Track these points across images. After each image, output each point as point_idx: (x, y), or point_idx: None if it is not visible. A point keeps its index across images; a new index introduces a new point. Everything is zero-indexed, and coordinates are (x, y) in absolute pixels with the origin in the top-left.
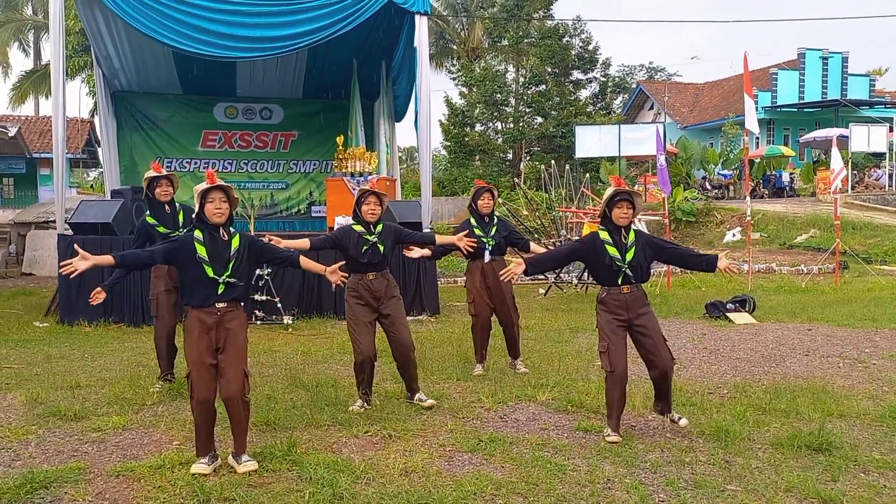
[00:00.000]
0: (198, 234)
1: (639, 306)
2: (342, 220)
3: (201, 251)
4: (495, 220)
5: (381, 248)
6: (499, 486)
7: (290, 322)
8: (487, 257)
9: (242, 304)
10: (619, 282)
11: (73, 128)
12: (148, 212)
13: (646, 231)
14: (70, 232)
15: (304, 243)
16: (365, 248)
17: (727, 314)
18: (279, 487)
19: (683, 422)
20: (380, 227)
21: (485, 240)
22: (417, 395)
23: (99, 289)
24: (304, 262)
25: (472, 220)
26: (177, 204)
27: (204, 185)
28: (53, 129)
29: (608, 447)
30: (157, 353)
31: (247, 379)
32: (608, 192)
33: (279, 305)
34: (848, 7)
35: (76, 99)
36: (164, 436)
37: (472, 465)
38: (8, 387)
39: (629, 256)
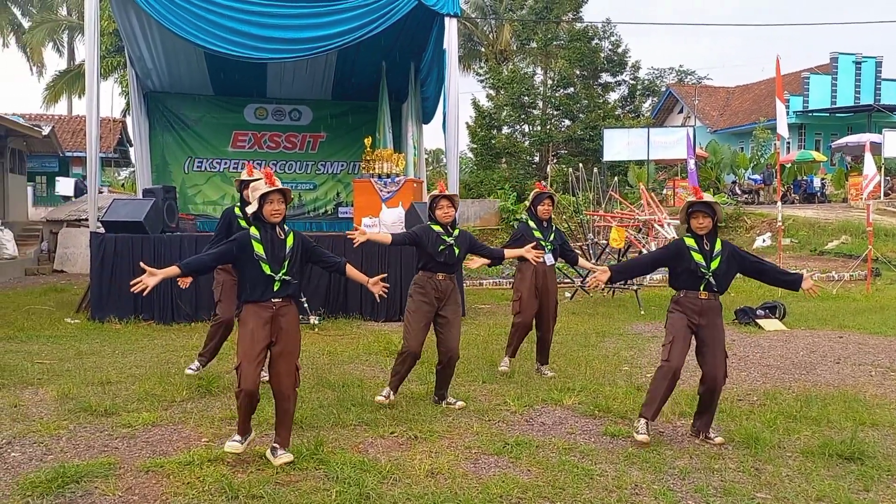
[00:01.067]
0: (254, 232)
1: (713, 315)
2: (369, 221)
3: (259, 249)
4: (553, 226)
5: (457, 250)
6: (525, 489)
7: (316, 322)
8: (550, 260)
9: (296, 300)
10: (701, 288)
11: (105, 127)
12: (238, 205)
13: (674, 234)
14: (102, 230)
15: (386, 237)
16: (442, 248)
17: (757, 320)
18: (306, 486)
19: (719, 439)
20: (457, 231)
21: (543, 243)
22: (446, 400)
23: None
24: (350, 271)
25: (532, 223)
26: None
27: (264, 187)
28: (87, 130)
29: (636, 452)
30: (210, 334)
31: (298, 373)
32: (684, 204)
33: (306, 305)
34: (882, 10)
35: (108, 99)
36: (192, 432)
37: (497, 468)
38: (40, 382)
39: (714, 265)
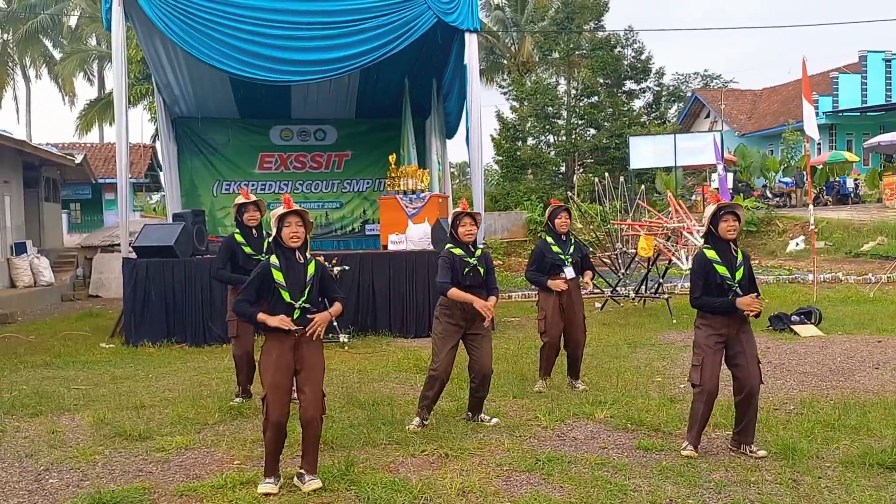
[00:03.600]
0: (274, 259)
1: (740, 323)
2: (396, 238)
3: (278, 277)
4: (572, 239)
5: (482, 270)
6: None
7: (346, 340)
8: (571, 273)
9: None
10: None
11: (136, 153)
12: (237, 231)
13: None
14: (134, 255)
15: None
16: (466, 269)
17: (792, 326)
18: None
19: (761, 452)
20: (479, 251)
21: (563, 257)
22: (481, 416)
23: None
24: (335, 308)
25: (550, 238)
26: (264, 231)
27: (281, 210)
28: (117, 157)
29: (670, 466)
30: (237, 369)
31: (324, 399)
32: (709, 209)
33: (335, 324)
34: None
35: (139, 125)
36: (225, 455)
37: (530, 486)
38: (76, 407)
39: (739, 275)
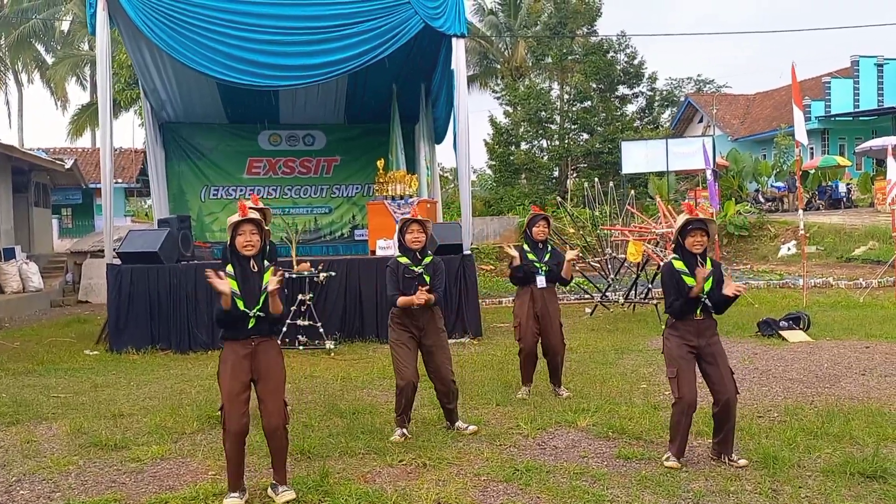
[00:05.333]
0: (229, 269)
1: (710, 334)
2: (384, 244)
3: (233, 285)
4: (549, 247)
5: (427, 278)
6: None
7: (332, 347)
8: (542, 283)
9: (277, 334)
10: (697, 310)
11: (128, 158)
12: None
13: None
14: (118, 261)
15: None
16: (409, 277)
17: (780, 332)
18: None
19: (742, 461)
20: (428, 259)
21: (538, 265)
22: (458, 423)
23: None
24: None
25: (526, 246)
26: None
27: (235, 217)
28: (101, 162)
29: (650, 475)
30: None
31: (286, 409)
32: (680, 220)
33: (321, 330)
34: None
35: (130, 129)
36: (200, 465)
37: (506, 496)
38: (54, 416)
39: (708, 286)
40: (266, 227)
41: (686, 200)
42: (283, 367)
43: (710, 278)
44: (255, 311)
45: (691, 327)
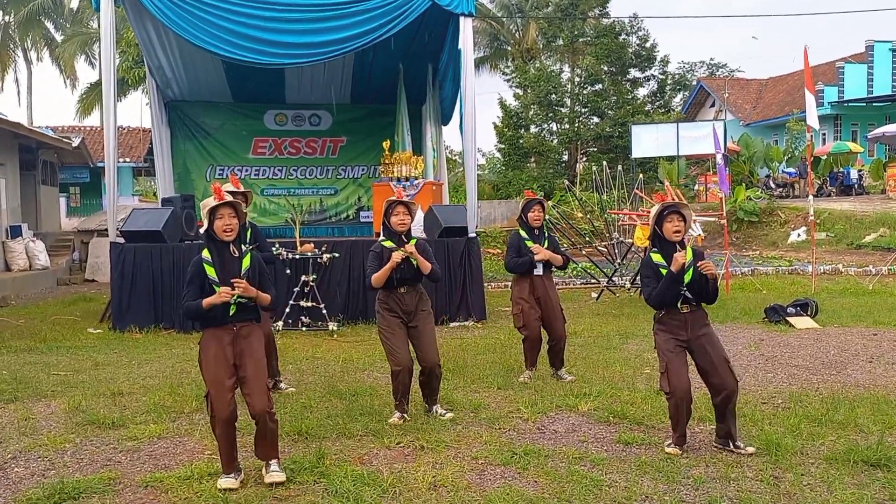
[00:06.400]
0: (206, 254)
1: (699, 326)
2: None
3: (210, 273)
4: (546, 233)
5: (414, 262)
6: (529, 502)
7: (334, 329)
8: (540, 269)
9: (259, 320)
10: (679, 303)
11: (136, 136)
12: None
13: (700, 232)
14: (122, 240)
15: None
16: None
17: (787, 318)
18: (304, 500)
19: (750, 449)
20: (413, 241)
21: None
22: (436, 408)
23: None
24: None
25: (523, 233)
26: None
27: (212, 201)
28: (105, 140)
29: (649, 461)
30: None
31: (269, 393)
32: (653, 210)
33: (324, 312)
34: None
35: (137, 108)
36: (197, 445)
37: (503, 480)
38: (53, 394)
39: (687, 278)
40: (245, 210)
41: (696, 186)
42: (264, 352)
43: (690, 269)
44: (234, 297)
45: (678, 320)
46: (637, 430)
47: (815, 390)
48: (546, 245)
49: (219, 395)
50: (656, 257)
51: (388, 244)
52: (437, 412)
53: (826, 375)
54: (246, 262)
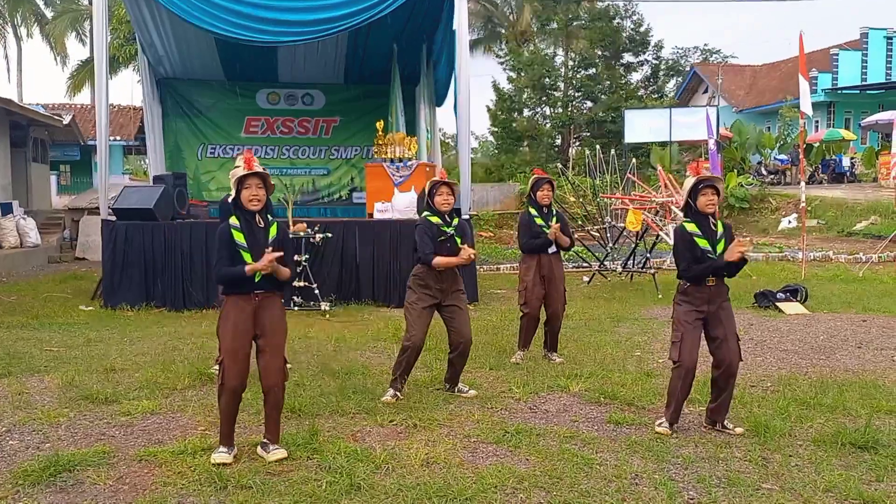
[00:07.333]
0: (234, 220)
1: (721, 300)
2: (381, 207)
3: (239, 238)
4: (554, 211)
5: (458, 240)
6: (521, 479)
7: (327, 309)
8: (552, 248)
9: (281, 290)
10: (709, 278)
11: (126, 115)
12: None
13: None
14: (113, 218)
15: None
16: (442, 238)
17: (777, 304)
18: (297, 476)
19: (739, 430)
20: (456, 220)
21: (546, 230)
22: (459, 386)
23: None
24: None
25: (533, 211)
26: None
27: (241, 171)
28: (97, 118)
29: (639, 440)
30: None
31: (286, 366)
32: (688, 181)
33: (317, 292)
34: None
35: (129, 86)
36: (190, 420)
37: (495, 457)
38: (46, 369)
39: (720, 248)
40: (272, 183)
41: (687, 173)
42: (285, 324)
43: (723, 240)
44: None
45: (704, 294)
46: (627, 411)
47: (803, 374)
48: (556, 222)
49: (232, 364)
50: (690, 227)
51: (435, 220)
52: (461, 390)
53: (815, 360)
54: (272, 231)
